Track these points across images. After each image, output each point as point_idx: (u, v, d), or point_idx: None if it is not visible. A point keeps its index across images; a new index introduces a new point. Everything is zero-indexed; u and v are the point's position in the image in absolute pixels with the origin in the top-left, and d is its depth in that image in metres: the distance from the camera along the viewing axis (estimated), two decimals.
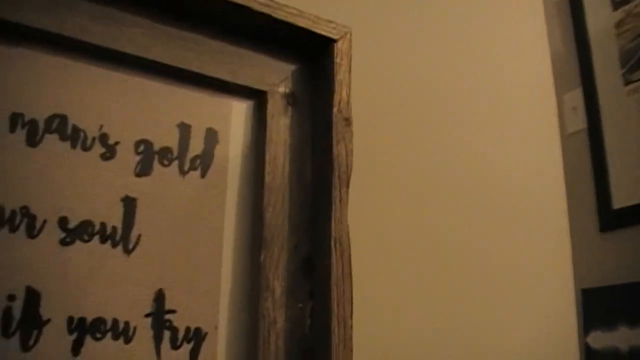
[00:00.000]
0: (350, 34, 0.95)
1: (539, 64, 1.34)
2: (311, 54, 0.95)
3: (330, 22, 0.93)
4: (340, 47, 0.93)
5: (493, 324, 1.07)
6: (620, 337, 1.08)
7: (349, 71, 0.93)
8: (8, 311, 0.68)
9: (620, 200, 1.15)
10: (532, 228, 1.19)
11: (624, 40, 1.18)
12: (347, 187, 0.88)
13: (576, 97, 1.26)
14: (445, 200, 1.08)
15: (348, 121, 0.91)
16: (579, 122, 1.25)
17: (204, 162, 0.85)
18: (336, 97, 0.91)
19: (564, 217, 1.24)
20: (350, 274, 0.85)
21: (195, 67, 0.85)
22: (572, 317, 1.18)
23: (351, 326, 0.83)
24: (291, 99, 0.93)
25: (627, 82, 1.16)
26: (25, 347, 0.68)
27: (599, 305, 1.14)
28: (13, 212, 0.70)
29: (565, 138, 1.28)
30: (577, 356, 1.15)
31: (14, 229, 0.70)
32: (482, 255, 1.10)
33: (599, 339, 1.11)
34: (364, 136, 0.96)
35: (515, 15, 1.34)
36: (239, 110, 0.90)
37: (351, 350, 0.82)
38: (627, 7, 1.19)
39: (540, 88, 1.32)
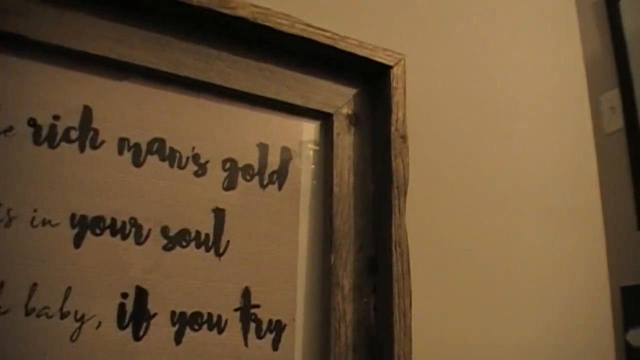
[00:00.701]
0: (404, 60, 1.00)
1: (574, 66, 1.35)
2: (370, 79, 1.00)
3: (386, 50, 0.98)
4: (395, 72, 0.98)
5: (533, 321, 1.10)
6: None
7: (404, 93, 0.97)
8: (122, 307, 0.76)
9: None
10: (571, 228, 1.21)
11: None
12: (405, 196, 0.93)
13: (614, 97, 1.27)
14: (486, 203, 1.12)
15: (404, 138, 0.96)
16: (616, 122, 1.26)
17: (280, 176, 0.91)
18: (393, 117, 0.96)
19: (601, 216, 1.26)
20: (409, 271, 0.90)
21: (271, 93, 0.92)
22: (610, 315, 1.19)
23: (411, 317, 0.88)
24: (354, 119, 0.98)
25: None
26: (137, 337, 0.76)
27: (638, 303, 1.14)
28: (124, 223, 0.78)
29: (603, 138, 1.29)
30: (616, 354, 1.16)
31: (124, 237, 0.78)
32: (522, 254, 1.13)
33: (639, 337, 1.13)
34: (419, 151, 1.01)
35: (550, 23, 1.37)
36: (309, 130, 0.96)
37: (411, 339, 0.87)
38: None
39: (578, 90, 1.34)
